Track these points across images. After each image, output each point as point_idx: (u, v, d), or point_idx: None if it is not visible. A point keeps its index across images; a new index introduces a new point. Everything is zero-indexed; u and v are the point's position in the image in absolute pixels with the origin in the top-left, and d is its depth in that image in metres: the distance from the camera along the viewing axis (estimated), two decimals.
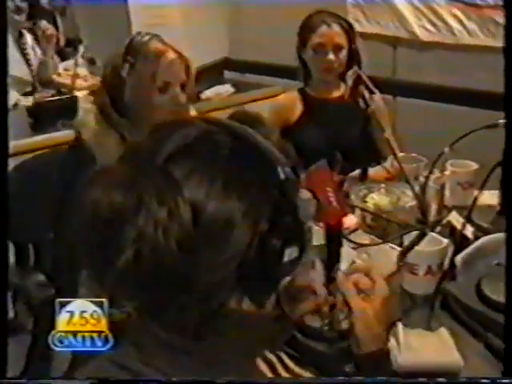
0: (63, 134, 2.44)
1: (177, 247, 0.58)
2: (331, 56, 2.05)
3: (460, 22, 2.53)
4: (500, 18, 2.29)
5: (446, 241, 1.32)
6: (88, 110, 1.53)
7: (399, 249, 1.44)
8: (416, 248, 1.26)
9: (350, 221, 1.55)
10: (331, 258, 0.95)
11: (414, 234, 1.30)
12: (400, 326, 1.14)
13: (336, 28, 2.06)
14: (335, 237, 0.95)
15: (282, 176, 0.65)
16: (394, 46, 2.81)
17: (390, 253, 1.44)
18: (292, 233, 0.65)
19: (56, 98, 2.72)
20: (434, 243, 1.31)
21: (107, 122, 1.50)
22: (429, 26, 2.63)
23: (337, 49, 2.05)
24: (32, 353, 1.61)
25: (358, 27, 2.44)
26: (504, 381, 0.91)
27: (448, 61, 2.60)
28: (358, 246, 1.37)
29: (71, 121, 2.50)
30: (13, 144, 1.89)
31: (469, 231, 1.49)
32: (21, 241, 1.76)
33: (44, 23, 3.45)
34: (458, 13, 2.52)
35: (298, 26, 2.13)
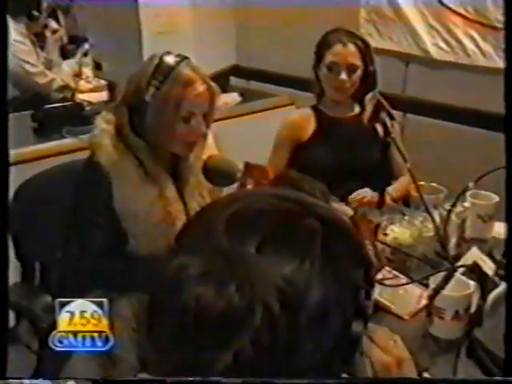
0: (68, 143, 2.40)
1: (285, 339, 0.55)
2: (344, 75, 2.01)
3: (475, 43, 2.49)
4: None
5: (473, 284, 1.29)
6: (104, 131, 1.47)
7: (421, 287, 1.42)
8: (443, 292, 1.24)
9: None
10: None
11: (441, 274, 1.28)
12: (427, 375, 1.11)
13: (351, 48, 2.03)
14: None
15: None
16: (406, 62, 2.77)
17: (412, 290, 1.41)
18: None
19: (61, 104, 2.66)
20: (461, 286, 1.27)
21: (124, 145, 1.46)
22: (443, 45, 2.59)
23: (350, 69, 2.02)
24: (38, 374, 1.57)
25: (370, 42, 2.40)
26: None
27: (460, 81, 2.57)
28: (385, 285, 1.35)
29: (76, 128, 2.48)
30: (16, 151, 1.82)
31: (489, 268, 1.46)
32: (28, 259, 1.71)
33: (53, 24, 3.36)
34: (474, 34, 2.48)
35: (307, 35, 2.08)
